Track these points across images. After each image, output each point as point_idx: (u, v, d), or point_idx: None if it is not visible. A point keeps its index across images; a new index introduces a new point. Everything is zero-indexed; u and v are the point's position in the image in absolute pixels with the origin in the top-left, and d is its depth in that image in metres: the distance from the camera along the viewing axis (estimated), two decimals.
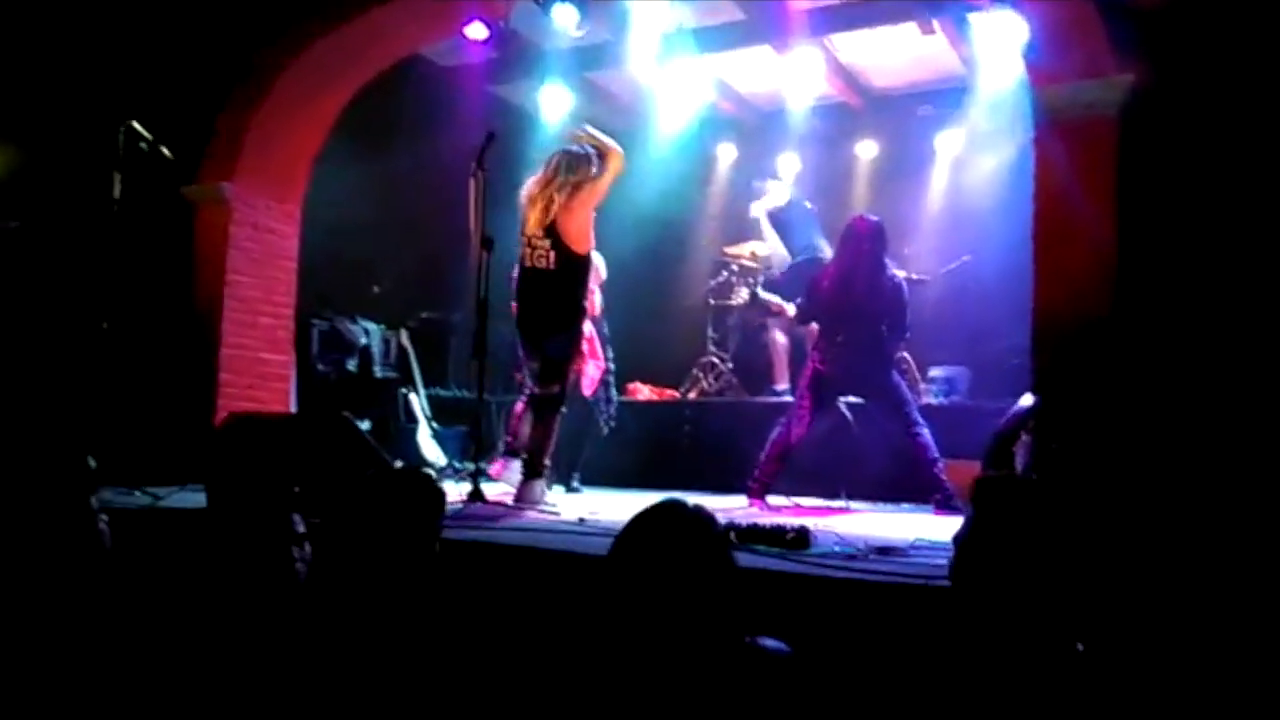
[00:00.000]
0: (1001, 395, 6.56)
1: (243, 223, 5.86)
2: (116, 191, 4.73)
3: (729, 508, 5.15)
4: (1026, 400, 4.51)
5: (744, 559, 3.12)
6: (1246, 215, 3.55)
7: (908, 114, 8.58)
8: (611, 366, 6.32)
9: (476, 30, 6.08)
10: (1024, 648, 1.98)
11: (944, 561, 3.23)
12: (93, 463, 4.81)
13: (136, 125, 4.86)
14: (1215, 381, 3.50)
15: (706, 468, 6.69)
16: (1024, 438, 4.44)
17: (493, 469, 4.98)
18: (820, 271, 5.87)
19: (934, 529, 4.41)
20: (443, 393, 7.57)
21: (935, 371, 6.77)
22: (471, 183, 4.49)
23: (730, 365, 8.02)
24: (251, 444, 4.23)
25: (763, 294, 6.72)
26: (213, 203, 5.80)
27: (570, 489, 6.00)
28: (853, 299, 5.47)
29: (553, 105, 7.91)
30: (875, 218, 5.68)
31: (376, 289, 8.06)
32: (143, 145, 4.88)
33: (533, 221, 4.81)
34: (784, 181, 8.06)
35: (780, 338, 7.29)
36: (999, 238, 7.53)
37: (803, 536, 3.40)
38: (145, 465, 5.15)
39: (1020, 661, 1.97)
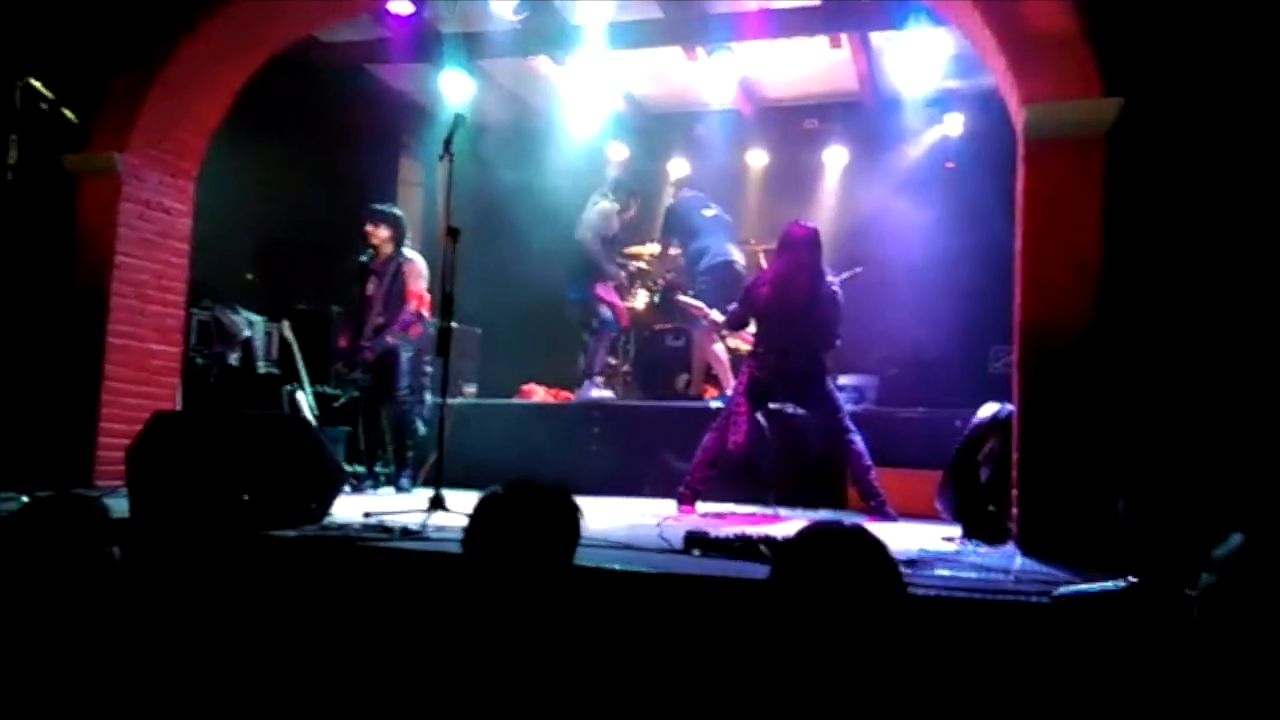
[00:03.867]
0: (908, 403, 6.79)
1: (133, 199, 5.23)
2: (12, 157, 4.11)
3: (663, 514, 5.04)
4: (987, 410, 4.64)
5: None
6: (1233, 231, 3.74)
7: (797, 126, 8.72)
8: (428, 369, 6.37)
9: (401, 4, 5.70)
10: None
11: (968, 574, 3.29)
12: None
13: (35, 83, 4.25)
14: (1201, 388, 3.67)
15: (614, 471, 6.55)
16: (988, 448, 4.57)
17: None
18: (757, 277, 5.83)
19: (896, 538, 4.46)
20: (328, 390, 7.06)
21: (845, 379, 6.87)
22: (439, 167, 4.17)
23: (627, 368, 7.89)
24: (184, 448, 3.78)
25: (682, 298, 6.65)
26: (101, 175, 5.14)
27: (399, 489, 6.02)
28: (792, 305, 5.46)
29: (449, 92, 7.52)
30: (811, 224, 5.70)
31: (250, 277, 7.48)
32: (43, 105, 4.26)
33: None
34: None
35: (718, 347, 7.19)
36: (889, 251, 7.83)
37: None
38: (28, 466, 4.57)
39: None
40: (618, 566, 3.01)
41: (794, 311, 5.45)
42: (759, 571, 3.07)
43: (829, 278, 5.61)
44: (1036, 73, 4.06)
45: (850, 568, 1.92)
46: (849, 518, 5.55)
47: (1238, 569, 1.86)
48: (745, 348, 6.29)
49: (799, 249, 5.55)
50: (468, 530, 2.03)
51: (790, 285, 5.48)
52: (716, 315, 6.26)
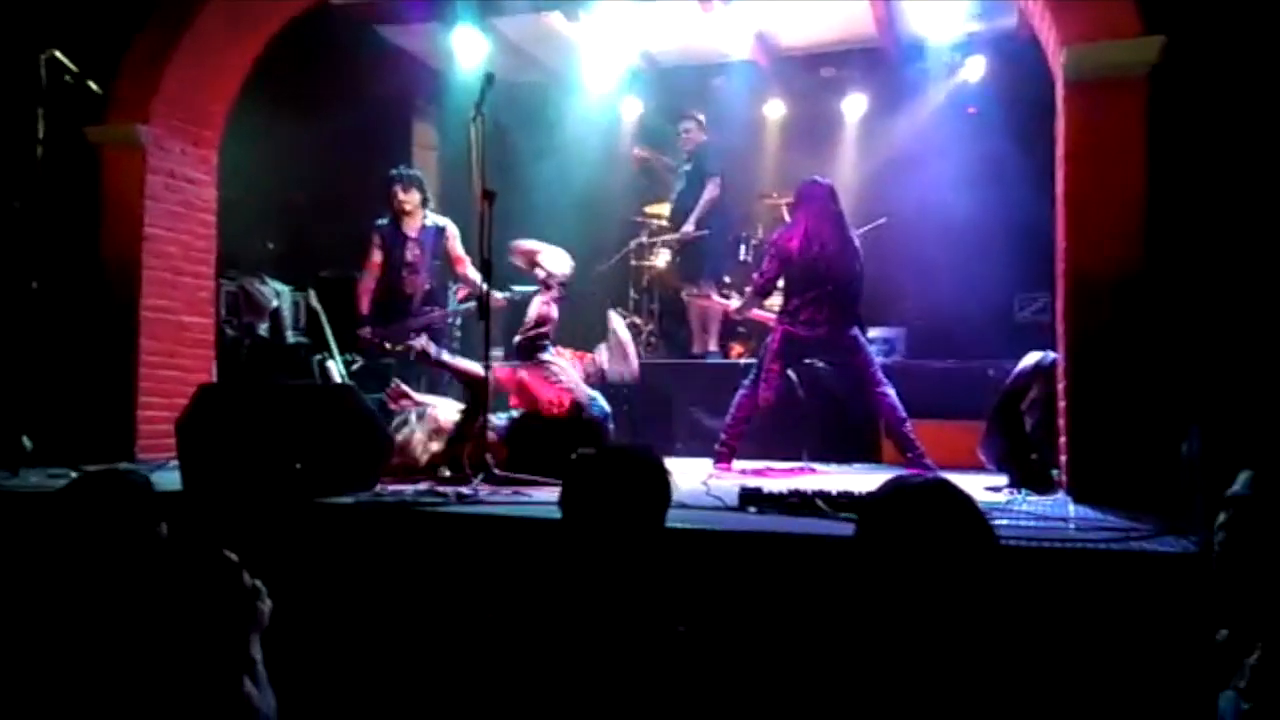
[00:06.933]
0: (937, 354, 6.77)
1: (158, 170, 5.18)
2: (40, 131, 4.07)
3: (701, 472, 5.07)
4: (1030, 358, 4.61)
5: (844, 529, 3.05)
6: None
7: (814, 75, 8.60)
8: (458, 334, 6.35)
9: None
10: None
11: (1028, 524, 3.29)
12: (28, 443, 4.25)
13: (59, 54, 4.19)
14: (1253, 327, 3.65)
15: (644, 430, 6.54)
16: (1031, 396, 4.55)
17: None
18: (781, 233, 5.77)
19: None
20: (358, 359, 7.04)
21: (874, 332, 6.83)
22: (470, 129, 4.12)
23: (651, 327, 7.87)
24: (234, 420, 3.78)
25: (693, 296, 6.87)
26: (125, 146, 5.09)
27: None
28: (822, 260, 5.43)
29: (462, 51, 7.42)
30: (827, 180, 5.69)
31: (271, 245, 7.44)
32: (67, 78, 4.21)
33: None
34: None
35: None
36: (910, 200, 7.76)
37: None
38: (73, 442, 4.58)
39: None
40: (681, 525, 3.01)
41: (824, 265, 5.42)
42: (820, 527, 3.09)
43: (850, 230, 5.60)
44: (1075, 13, 3.99)
45: (942, 523, 1.90)
46: (885, 471, 5.57)
47: (1251, 506, 1.92)
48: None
49: (822, 201, 5.53)
50: (564, 493, 2.02)
51: (819, 240, 5.44)
52: (732, 304, 6.28)
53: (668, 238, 7.69)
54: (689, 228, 7.49)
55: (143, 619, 2.13)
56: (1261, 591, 1.86)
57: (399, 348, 5.63)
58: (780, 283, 5.73)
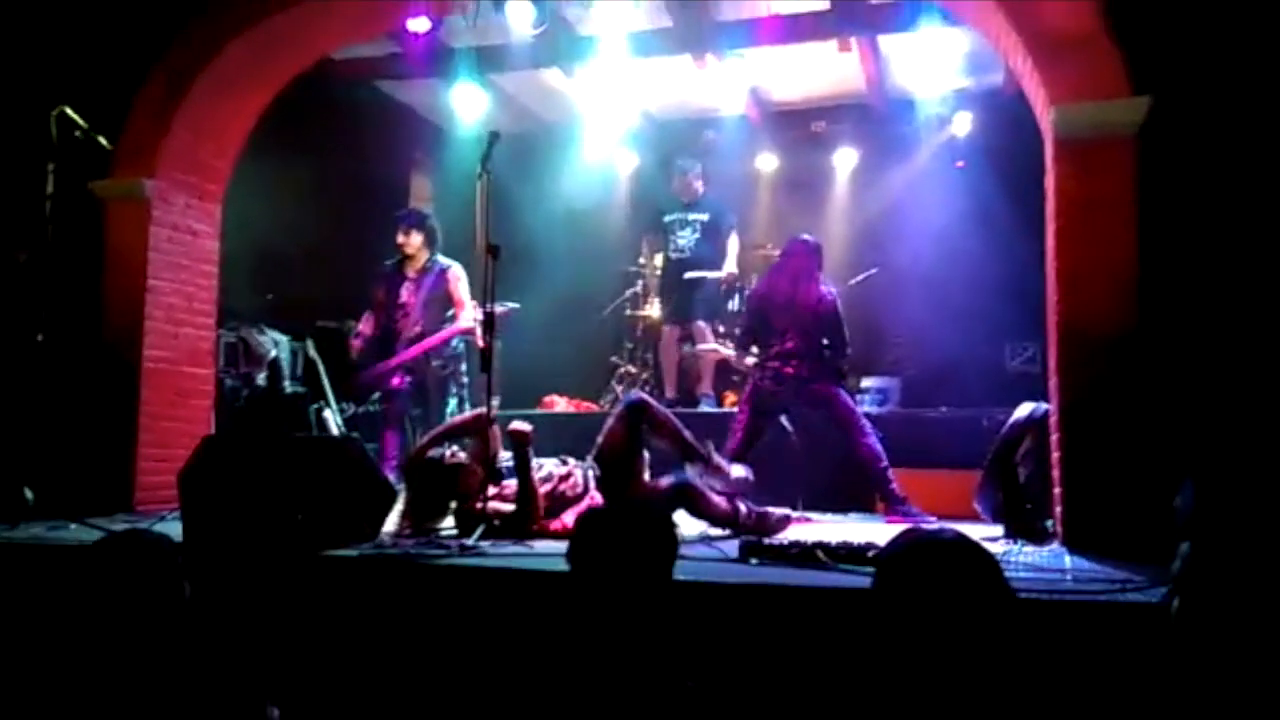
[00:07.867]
0: (930, 404, 6.83)
1: (161, 223, 5.23)
2: (50, 186, 4.14)
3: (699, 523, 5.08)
4: (1023, 410, 4.68)
5: (845, 580, 3.09)
6: (1271, 221, 3.79)
7: (806, 129, 8.77)
8: (465, 380, 6.18)
9: (419, 23, 5.75)
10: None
11: (1025, 575, 3.33)
12: (29, 494, 4.26)
13: (69, 111, 4.27)
14: (1244, 382, 3.71)
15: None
16: (1024, 447, 4.61)
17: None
18: (755, 288, 5.93)
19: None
20: (356, 409, 7.07)
21: (868, 382, 6.91)
22: (476, 186, 4.20)
23: (646, 376, 7.93)
24: (236, 471, 3.80)
25: (700, 347, 6.93)
26: (129, 200, 5.15)
27: None
28: (790, 312, 5.54)
29: (461, 107, 7.54)
30: (813, 239, 5.81)
31: (270, 296, 7.49)
32: (77, 134, 4.29)
33: None
34: None
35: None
36: (900, 252, 7.89)
37: None
38: (72, 493, 4.58)
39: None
40: (681, 577, 3.03)
41: (787, 317, 5.54)
42: (822, 579, 3.13)
43: (824, 285, 5.67)
44: (1064, 74, 4.10)
45: (963, 577, 1.89)
46: (881, 521, 5.60)
47: (1193, 585, 1.89)
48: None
49: (798, 257, 5.72)
50: (571, 545, 2.06)
51: (787, 292, 5.59)
52: (728, 351, 6.41)
53: (712, 274, 7.49)
54: (732, 269, 7.49)
55: (162, 683, 2.15)
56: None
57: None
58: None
